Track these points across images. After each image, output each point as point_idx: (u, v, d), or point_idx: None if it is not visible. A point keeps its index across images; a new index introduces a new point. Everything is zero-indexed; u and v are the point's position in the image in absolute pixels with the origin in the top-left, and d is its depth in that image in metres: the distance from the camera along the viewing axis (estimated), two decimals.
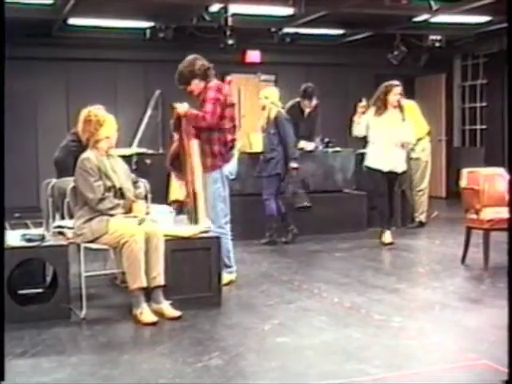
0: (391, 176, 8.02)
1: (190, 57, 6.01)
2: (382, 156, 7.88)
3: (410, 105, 8.95)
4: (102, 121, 5.07)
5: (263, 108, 8.19)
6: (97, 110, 5.14)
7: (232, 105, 6.02)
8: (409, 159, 8.85)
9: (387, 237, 7.93)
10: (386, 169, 7.90)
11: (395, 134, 7.89)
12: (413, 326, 4.67)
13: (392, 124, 7.87)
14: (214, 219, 5.83)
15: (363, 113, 8.13)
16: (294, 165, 8.01)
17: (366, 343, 4.32)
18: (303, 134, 8.98)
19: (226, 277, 5.83)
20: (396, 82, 7.95)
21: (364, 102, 8.23)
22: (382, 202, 8.04)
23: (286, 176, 8.11)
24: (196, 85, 5.92)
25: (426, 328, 4.64)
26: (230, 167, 6.06)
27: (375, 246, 8.00)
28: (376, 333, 4.55)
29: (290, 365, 3.95)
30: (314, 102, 9.03)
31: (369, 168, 8.04)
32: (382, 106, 7.87)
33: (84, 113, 5.14)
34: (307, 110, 9.07)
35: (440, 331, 4.60)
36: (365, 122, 8.00)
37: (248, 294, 5.70)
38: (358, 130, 8.12)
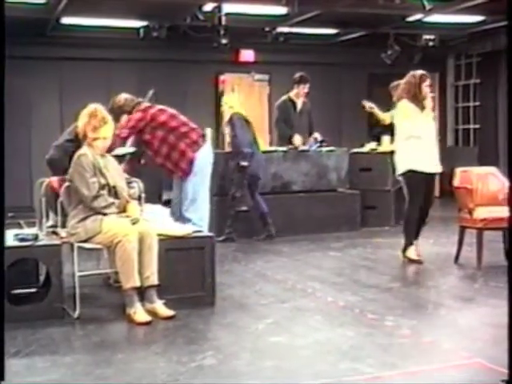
0: (430, 178, 6.92)
1: (119, 95, 6.29)
2: (427, 155, 6.79)
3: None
4: (107, 119, 5.14)
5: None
6: (102, 109, 5.21)
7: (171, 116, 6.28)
8: None
9: (413, 252, 6.90)
10: (431, 170, 6.84)
11: (432, 129, 7.01)
12: (406, 325, 4.67)
13: (429, 118, 6.94)
14: (194, 212, 6.16)
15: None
16: (243, 163, 8.05)
17: (359, 342, 4.33)
18: (297, 129, 9.05)
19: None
20: (425, 72, 6.98)
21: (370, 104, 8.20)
22: (415, 211, 6.90)
23: (233, 176, 8.21)
24: (124, 120, 6.14)
25: (419, 327, 4.65)
26: (208, 157, 6.34)
27: (369, 245, 8.01)
28: (370, 332, 4.55)
29: (283, 364, 3.95)
30: (307, 89, 9.18)
31: (413, 171, 6.76)
32: (421, 98, 6.81)
33: (90, 108, 5.17)
34: (299, 104, 9.21)
35: (433, 330, 4.61)
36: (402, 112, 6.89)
37: (242, 294, 5.70)
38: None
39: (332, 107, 13.13)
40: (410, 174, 6.80)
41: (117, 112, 6.03)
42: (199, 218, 6.15)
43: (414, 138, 6.78)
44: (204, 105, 12.33)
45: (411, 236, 6.94)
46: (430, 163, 6.84)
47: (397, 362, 3.96)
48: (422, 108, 6.84)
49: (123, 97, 6.22)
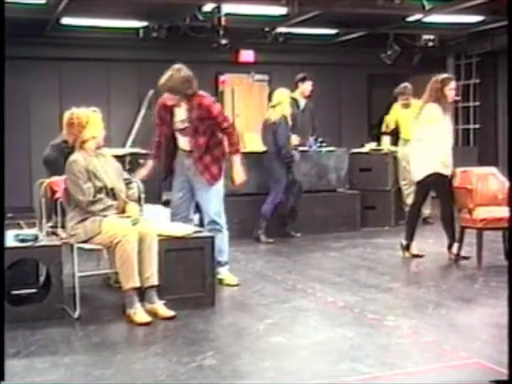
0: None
1: (187, 74, 5.95)
2: (448, 158, 6.82)
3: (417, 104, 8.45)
4: (85, 122, 5.01)
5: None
6: (79, 112, 5.07)
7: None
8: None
9: (456, 249, 6.88)
10: (448, 172, 6.85)
11: (451, 132, 7.12)
12: (406, 325, 4.68)
13: (448, 121, 7.02)
14: (220, 216, 5.95)
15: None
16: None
17: (359, 342, 4.33)
18: (300, 128, 9.08)
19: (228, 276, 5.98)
20: (450, 76, 7.08)
21: None
22: (450, 209, 6.97)
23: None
24: (178, 99, 5.86)
25: (419, 327, 4.66)
26: None
27: (369, 245, 8.01)
28: (369, 332, 4.55)
29: (284, 364, 3.95)
30: (310, 86, 9.36)
31: (438, 174, 6.78)
32: (445, 102, 6.89)
33: (67, 116, 5.09)
34: (302, 103, 9.27)
35: (433, 330, 4.61)
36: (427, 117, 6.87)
37: (242, 294, 5.70)
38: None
39: (332, 107, 13.13)
40: (437, 176, 6.79)
41: (179, 92, 5.81)
42: (224, 221, 6.03)
43: (437, 141, 6.74)
44: None
45: (454, 233, 6.91)
46: (449, 166, 6.83)
47: (396, 361, 3.97)
48: (446, 111, 6.88)
49: (192, 78, 5.96)
